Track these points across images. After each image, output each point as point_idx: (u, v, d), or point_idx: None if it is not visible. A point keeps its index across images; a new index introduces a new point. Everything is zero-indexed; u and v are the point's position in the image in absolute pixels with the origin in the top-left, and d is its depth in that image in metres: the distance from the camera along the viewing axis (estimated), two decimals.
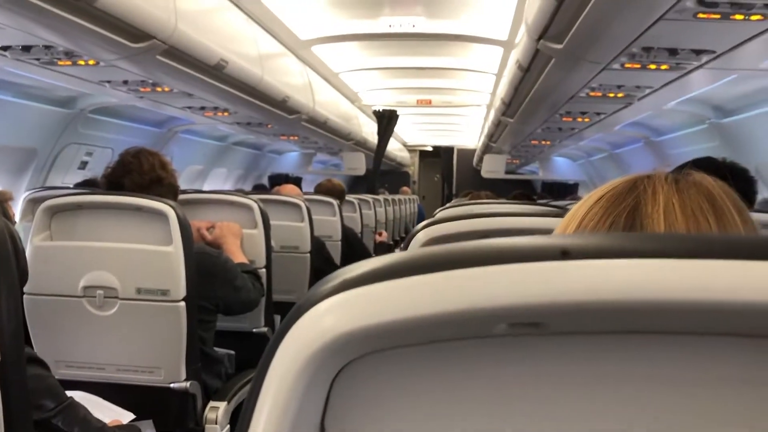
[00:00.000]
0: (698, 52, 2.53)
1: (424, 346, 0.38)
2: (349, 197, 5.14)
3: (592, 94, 3.50)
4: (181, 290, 1.98)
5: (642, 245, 0.35)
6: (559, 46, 2.56)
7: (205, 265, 2.14)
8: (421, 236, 1.15)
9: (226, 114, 4.60)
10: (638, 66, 2.81)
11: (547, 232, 0.70)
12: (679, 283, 0.33)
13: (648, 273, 0.33)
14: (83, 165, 4.59)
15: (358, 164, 8.36)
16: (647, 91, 3.38)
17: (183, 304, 1.98)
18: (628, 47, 2.51)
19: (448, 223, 1.15)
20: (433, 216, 1.99)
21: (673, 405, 0.36)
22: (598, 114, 4.28)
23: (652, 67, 2.78)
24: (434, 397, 0.39)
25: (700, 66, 2.72)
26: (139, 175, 2.09)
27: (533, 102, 3.97)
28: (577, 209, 0.65)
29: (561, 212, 1.33)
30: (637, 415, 0.36)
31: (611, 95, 3.52)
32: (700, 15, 2.03)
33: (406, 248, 1.16)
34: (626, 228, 0.60)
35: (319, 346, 0.36)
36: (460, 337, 0.38)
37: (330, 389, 0.39)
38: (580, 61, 2.80)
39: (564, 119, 4.55)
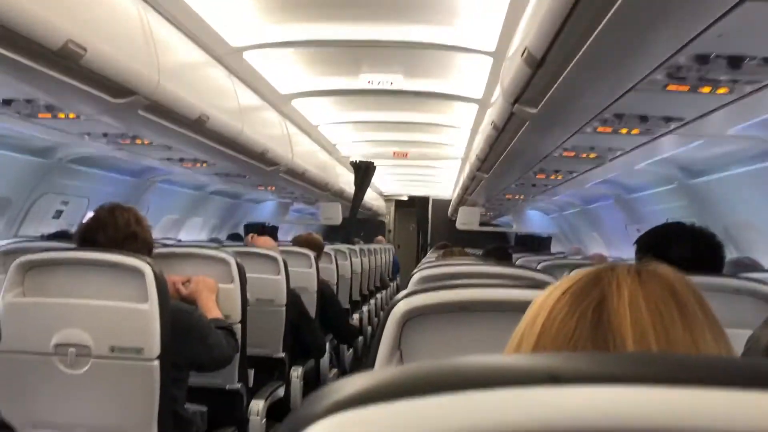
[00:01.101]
0: (667, 120, 2.62)
1: None
2: (325, 248, 5.14)
3: (565, 154, 3.58)
4: (156, 348, 1.96)
5: (632, 370, 0.36)
6: (534, 110, 2.63)
7: (180, 322, 2.12)
8: (402, 306, 1.16)
9: (205, 165, 4.61)
10: (610, 130, 2.89)
11: (525, 304, 0.72)
12: (669, 412, 0.34)
13: (639, 400, 0.34)
14: (58, 214, 4.55)
15: (334, 214, 8.38)
16: (618, 152, 3.47)
17: (157, 362, 1.95)
18: (601, 113, 2.60)
19: (428, 294, 1.17)
20: (410, 278, 2.01)
21: None
22: (571, 172, 4.37)
23: (624, 131, 2.87)
24: None
25: (669, 132, 2.81)
26: (114, 230, 2.09)
27: (507, 160, 4.05)
28: (545, 300, 0.66)
29: (539, 283, 1.36)
30: None
31: (584, 156, 3.61)
32: (670, 87, 2.12)
33: (385, 320, 1.17)
34: (593, 323, 0.62)
35: None
36: None
37: None
38: (554, 125, 2.88)
39: (538, 176, 4.64)
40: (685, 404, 0.35)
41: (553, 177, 4.60)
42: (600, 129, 2.90)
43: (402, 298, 1.18)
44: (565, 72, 2.10)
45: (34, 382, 1.98)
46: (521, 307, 0.73)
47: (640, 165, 4.14)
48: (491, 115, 3.62)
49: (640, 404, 0.35)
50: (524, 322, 0.68)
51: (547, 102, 2.45)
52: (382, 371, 0.39)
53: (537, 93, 2.46)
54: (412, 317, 1.19)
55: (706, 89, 2.12)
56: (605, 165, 3.92)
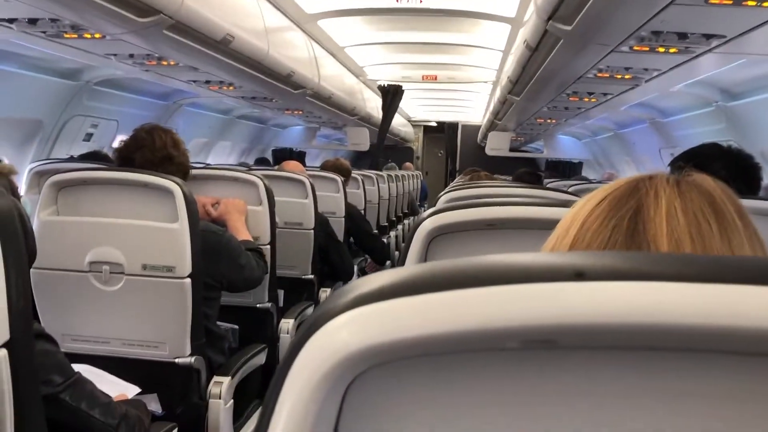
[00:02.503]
0: (708, 37, 2.51)
1: (435, 358, 0.39)
2: (353, 173, 5.14)
3: (599, 75, 3.47)
4: (187, 267, 1.99)
5: (655, 267, 0.35)
6: (568, 28, 2.54)
7: (210, 243, 2.16)
8: (428, 224, 1.15)
9: (231, 88, 4.58)
10: (647, 49, 2.78)
11: (552, 222, 0.70)
12: (691, 307, 0.34)
13: (661, 296, 0.34)
14: (88, 137, 4.59)
15: (361, 139, 8.33)
16: (655, 73, 3.35)
17: (188, 280, 2.00)
18: (638, 30, 2.49)
19: (455, 212, 1.16)
20: (437, 199, 1.99)
21: (685, 420, 0.37)
22: (605, 95, 4.25)
23: (661, 50, 2.76)
24: (444, 408, 0.39)
25: (710, 50, 2.70)
26: (151, 151, 2.10)
27: (540, 81, 3.95)
28: (578, 210, 0.65)
29: (567, 201, 1.33)
30: (646, 429, 0.37)
31: (618, 77, 3.50)
32: (712, 0, 2.01)
33: (411, 236, 1.17)
34: (629, 231, 0.61)
35: (334, 362, 0.37)
36: (471, 350, 0.39)
37: (343, 399, 0.40)
38: (589, 43, 2.78)
39: (570, 99, 4.52)
40: (711, 300, 0.34)
41: (586, 100, 4.48)
42: (636, 48, 2.79)
43: (428, 216, 1.18)
44: None
45: (70, 298, 2.04)
46: (550, 224, 0.71)
47: (677, 87, 4.00)
48: (524, 34, 3.51)
49: (665, 300, 0.34)
50: (556, 233, 0.67)
51: (582, 18, 2.36)
52: (404, 268, 0.39)
53: (572, 9, 2.36)
54: (439, 235, 1.18)
55: (751, 2, 2.01)
56: (640, 87, 3.80)
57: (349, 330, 0.36)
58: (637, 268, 0.35)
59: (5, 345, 1.27)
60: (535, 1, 2.70)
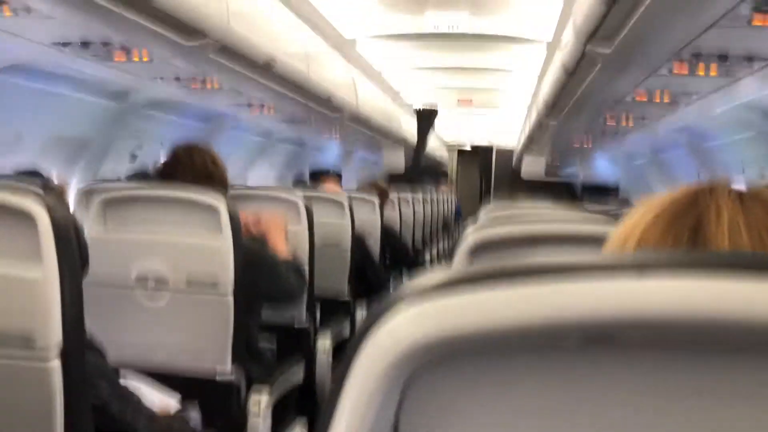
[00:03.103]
0: (750, 59, 2.49)
1: (493, 357, 0.40)
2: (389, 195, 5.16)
3: (638, 98, 3.46)
4: (230, 283, 2.03)
5: (720, 263, 0.35)
6: (607, 51, 2.54)
7: (250, 257, 2.19)
8: (472, 239, 1.17)
9: (271, 111, 4.66)
10: (686, 71, 2.77)
11: (596, 239, 0.71)
12: (758, 304, 0.34)
13: (725, 292, 0.34)
14: (133, 158, 4.70)
15: (397, 161, 8.38)
16: (694, 96, 3.33)
17: (231, 296, 2.03)
18: (678, 53, 2.49)
19: (499, 227, 1.17)
20: (477, 216, 2.00)
21: (751, 423, 0.37)
22: (643, 118, 4.22)
23: (701, 72, 2.74)
24: (504, 405, 0.40)
25: (752, 73, 2.68)
26: (191, 171, 2.14)
27: (577, 104, 3.94)
28: (635, 223, 0.63)
29: (610, 219, 1.34)
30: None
31: (657, 100, 3.48)
32: (755, 22, 2.00)
33: (454, 250, 1.18)
34: (689, 247, 0.58)
35: (398, 354, 0.37)
36: (531, 349, 0.40)
37: (404, 390, 0.40)
38: (628, 66, 2.78)
39: (608, 123, 4.50)
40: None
41: (623, 123, 4.46)
42: (676, 71, 2.78)
43: (473, 231, 1.19)
44: (642, 6, 2.01)
45: (115, 312, 2.08)
46: (595, 241, 0.71)
47: (717, 110, 3.95)
48: (561, 57, 3.51)
49: (729, 296, 0.34)
50: (611, 245, 0.66)
51: (622, 41, 2.36)
52: (467, 267, 0.40)
53: (611, 30, 2.37)
54: (482, 250, 1.19)
55: None
56: (680, 110, 3.77)
57: (414, 323, 0.37)
58: (701, 265, 0.36)
59: (59, 354, 1.31)
60: (574, 22, 2.71)
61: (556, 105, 4.34)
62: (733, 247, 0.57)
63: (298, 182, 7.51)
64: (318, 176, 7.73)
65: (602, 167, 9.00)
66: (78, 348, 1.37)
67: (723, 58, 2.50)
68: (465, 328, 0.37)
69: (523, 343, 0.38)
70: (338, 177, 8.62)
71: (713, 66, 2.61)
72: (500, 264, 0.39)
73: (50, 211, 1.33)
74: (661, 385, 0.38)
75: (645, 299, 0.35)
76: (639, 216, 0.64)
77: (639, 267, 0.36)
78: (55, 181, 2.80)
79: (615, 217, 1.38)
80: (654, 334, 0.37)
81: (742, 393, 0.37)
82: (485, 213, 2.06)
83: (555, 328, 0.36)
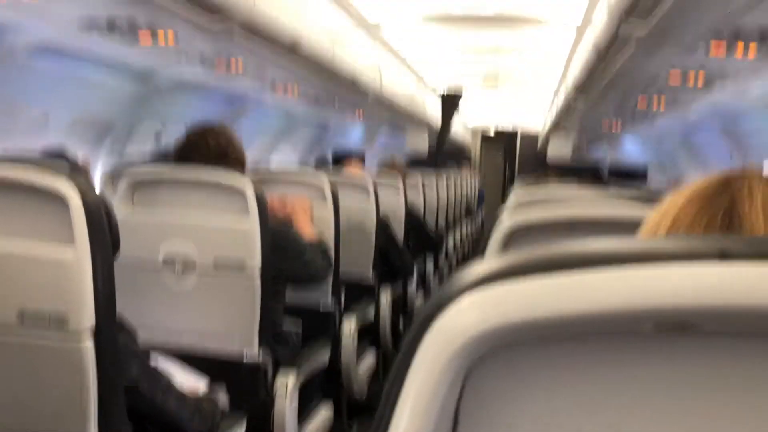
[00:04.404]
0: None
1: (560, 344, 0.38)
2: (410, 179, 5.14)
3: (671, 81, 3.38)
4: (257, 264, 2.03)
5: None
6: (642, 30, 2.48)
7: (276, 238, 2.18)
8: (506, 222, 1.14)
9: (295, 93, 4.65)
10: (723, 51, 2.69)
11: (636, 224, 0.69)
12: None
13: None
14: (158, 139, 4.73)
15: (421, 143, 8.34)
16: (730, 78, 3.24)
17: (258, 277, 2.03)
18: (714, 29, 2.41)
19: (536, 211, 1.14)
20: (503, 199, 1.97)
21: None
22: (675, 101, 4.13)
23: (740, 53, 2.66)
24: (569, 392, 0.39)
25: None
26: (206, 153, 2.13)
27: (608, 85, 3.87)
28: (668, 208, 0.64)
29: (648, 199, 1.30)
30: None
31: (691, 82, 3.40)
32: None
33: (488, 236, 1.15)
34: (723, 228, 0.59)
35: (463, 342, 0.36)
36: (597, 335, 0.38)
37: (465, 379, 0.39)
38: (662, 45, 2.71)
39: (638, 105, 4.42)
40: None
41: (655, 106, 4.37)
42: (712, 49, 2.70)
43: (508, 216, 1.16)
44: None
45: (144, 292, 2.10)
46: (633, 225, 0.69)
47: (754, 93, 3.85)
48: (591, 37, 3.44)
49: None
50: (645, 231, 0.66)
51: (657, 19, 2.30)
52: (534, 250, 0.38)
53: (647, 9, 2.30)
54: (519, 236, 1.17)
55: None
56: (714, 92, 3.68)
57: (479, 309, 0.36)
58: None
59: (92, 332, 1.32)
60: (608, 2, 2.65)
61: (585, 87, 4.27)
62: (767, 225, 0.57)
63: (321, 164, 7.52)
64: (341, 159, 7.73)
65: (631, 151, 8.86)
66: (110, 329, 1.38)
67: (764, 37, 2.42)
68: (533, 315, 0.35)
69: (594, 330, 0.36)
70: (361, 159, 8.63)
71: (752, 46, 2.53)
72: (566, 246, 0.37)
73: (82, 192, 1.33)
74: (738, 375, 0.37)
75: (727, 284, 0.33)
76: (672, 200, 0.64)
77: (722, 251, 0.34)
78: (80, 162, 2.81)
79: (649, 201, 1.34)
80: (733, 322, 0.35)
81: None
82: (515, 196, 2.02)
83: (629, 314, 0.34)
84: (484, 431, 0.39)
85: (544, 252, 0.37)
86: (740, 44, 2.53)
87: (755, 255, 0.33)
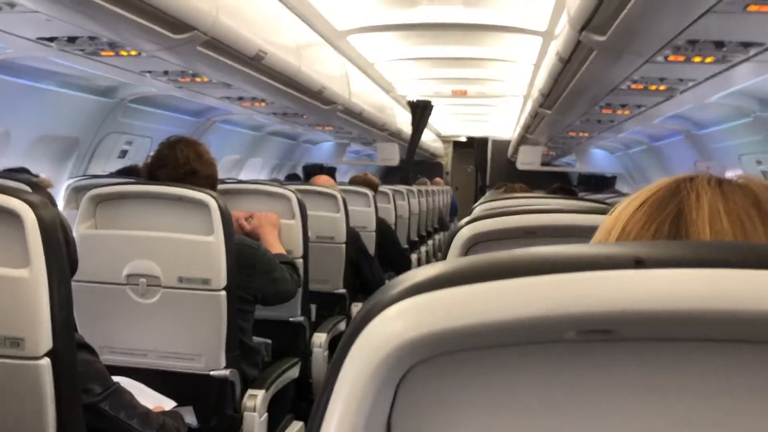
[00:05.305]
0: (746, 45, 2.47)
1: (488, 352, 0.39)
2: (383, 188, 5.15)
3: (633, 86, 3.44)
4: (222, 279, 2.01)
5: (718, 255, 0.34)
6: (602, 38, 2.52)
7: (245, 257, 2.17)
8: (465, 231, 1.14)
9: (263, 104, 4.63)
10: (682, 59, 2.75)
11: (591, 229, 0.70)
12: (755, 294, 0.33)
13: (724, 283, 0.33)
14: (123, 154, 4.68)
15: (391, 155, 8.35)
16: (690, 84, 3.31)
17: (224, 293, 2.01)
18: (673, 40, 2.46)
19: (492, 219, 1.15)
20: (472, 210, 1.98)
21: (750, 416, 0.36)
22: (639, 107, 4.20)
23: (697, 60, 2.72)
24: (499, 400, 0.39)
25: (747, 59, 2.66)
26: (174, 168, 2.10)
27: (573, 94, 3.92)
28: (619, 214, 0.64)
29: (606, 209, 1.32)
30: (711, 426, 0.36)
31: (653, 88, 3.46)
32: (751, 7, 1.98)
33: (449, 244, 1.16)
34: (670, 235, 0.59)
35: (389, 351, 0.36)
36: (527, 341, 0.38)
37: (397, 389, 0.39)
38: (623, 54, 2.75)
39: (603, 111, 4.48)
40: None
41: (620, 112, 4.44)
42: (671, 58, 2.75)
43: (466, 224, 1.17)
44: None
45: (108, 311, 2.07)
46: (588, 232, 0.70)
47: (713, 98, 3.94)
48: (556, 46, 3.49)
49: (729, 286, 0.33)
50: (597, 237, 0.66)
51: (617, 28, 2.34)
52: (460, 259, 0.38)
53: (606, 19, 2.34)
54: (476, 243, 1.17)
55: None
56: (675, 98, 3.75)
57: (405, 318, 0.36)
58: (699, 256, 0.34)
59: (48, 354, 1.29)
60: (569, 11, 2.69)
61: (551, 94, 4.32)
62: (714, 234, 0.57)
63: (292, 177, 7.49)
64: (312, 171, 7.72)
65: (599, 157, 8.99)
66: (68, 347, 1.36)
67: (719, 44, 2.48)
68: (456, 323, 0.35)
69: (518, 337, 0.37)
70: (332, 172, 8.62)
71: (709, 53, 2.58)
72: (491, 255, 0.37)
73: (36, 210, 1.31)
74: (660, 379, 0.37)
75: (644, 290, 0.34)
76: (624, 206, 0.64)
77: (637, 258, 0.34)
78: (43, 177, 2.77)
79: (610, 208, 1.35)
80: (653, 327, 0.35)
81: (742, 385, 0.36)
82: (480, 205, 2.03)
83: (552, 320, 0.34)
84: None
85: (470, 261, 0.37)
86: (697, 51, 2.58)
87: (669, 261, 0.34)
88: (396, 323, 0.36)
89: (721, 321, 0.34)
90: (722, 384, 0.36)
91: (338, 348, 0.39)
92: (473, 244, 1.16)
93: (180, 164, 2.10)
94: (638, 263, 0.34)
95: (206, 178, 2.16)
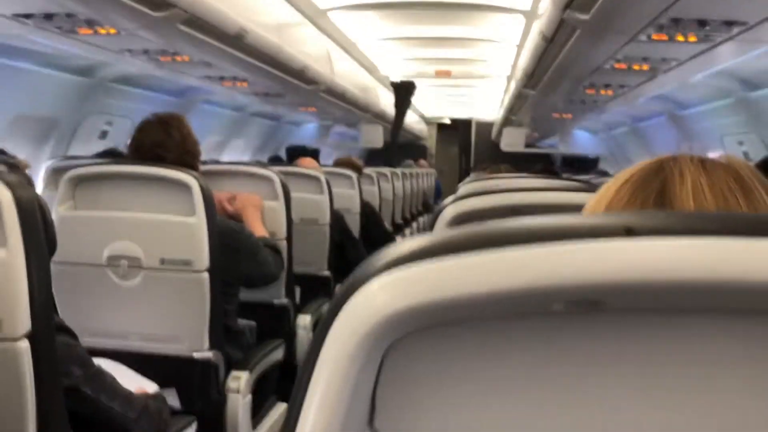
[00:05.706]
0: (729, 24, 2.47)
1: (475, 325, 0.38)
2: (367, 170, 5.13)
3: (616, 66, 3.44)
4: (205, 261, 1.99)
5: (707, 224, 0.34)
6: (586, 17, 2.51)
7: (229, 239, 2.15)
8: (450, 210, 1.13)
9: (244, 84, 4.58)
10: (665, 38, 2.75)
11: (577, 208, 0.70)
12: (748, 263, 0.32)
13: (715, 251, 0.33)
14: (103, 135, 4.61)
15: (375, 137, 8.31)
16: (673, 63, 3.31)
17: (206, 274, 1.99)
18: (656, 18, 2.46)
19: (477, 198, 1.14)
20: (456, 191, 1.97)
21: (738, 388, 0.35)
22: (622, 87, 4.21)
23: (680, 39, 2.72)
24: (485, 373, 0.38)
25: (730, 38, 2.66)
26: (151, 147, 2.07)
27: (556, 74, 3.91)
28: (604, 192, 0.65)
29: (591, 187, 1.32)
30: (700, 397, 0.35)
31: (636, 68, 3.46)
32: None
33: (433, 224, 1.15)
34: (655, 210, 0.60)
35: (373, 324, 0.35)
36: (515, 313, 0.37)
37: (381, 363, 0.38)
38: (606, 33, 2.74)
39: (587, 92, 4.48)
40: (761, 255, 0.32)
41: (603, 92, 4.44)
42: (654, 37, 2.75)
43: (451, 202, 1.16)
44: None
45: (88, 293, 2.04)
46: (575, 211, 0.70)
47: (695, 78, 3.95)
48: (540, 25, 3.47)
49: (720, 255, 0.33)
50: (583, 214, 0.67)
51: (600, 6, 2.33)
52: (444, 231, 0.37)
53: None
54: (461, 222, 1.16)
55: None
56: (658, 78, 3.76)
57: (388, 291, 0.35)
58: (689, 224, 0.34)
59: (27, 336, 1.27)
60: None
61: (534, 74, 4.31)
62: (698, 207, 0.59)
63: (275, 159, 7.43)
64: (295, 153, 7.66)
65: (583, 139, 9.02)
66: (47, 329, 1.34)
67: (702, 23, 2.47)
68: (441, 295, 0.34)
69: (504, 309, 0.36)
70: (316, 154, 8.57)
71: (692, 31, 2.58)
72: (476, 227, 0.36)
73: (14, 190, 1.28)
74: (650, 350, 0.37)
75: (633, 260, 0.33)
76: (608, 185, 0.66)
77: (627, 227, 0.33)
78: (20, 158, 2.72)
79: (596, 187, 1.35)
80: (643, 297, 0.35)
81: (734, 356, 0.36)
82: (464, 185, 2.03)
83: (539, 292, 0.34)
84: (402, 415, 0.39)
85: (453, 233, 0.36)
86: (680, 30, 2.58)
87: (660, 230, 0.33)
88: (379, 296, 0.35)
89: (712, 291, 0.33)
90: (713, 354, 0.36)
91: (321, 322, 0.38)
92: (458, 224, 1.15)
93: (167, 141, 2.06)
94: (629, 232, 0.33)
95: (190, 154, 2.13)
